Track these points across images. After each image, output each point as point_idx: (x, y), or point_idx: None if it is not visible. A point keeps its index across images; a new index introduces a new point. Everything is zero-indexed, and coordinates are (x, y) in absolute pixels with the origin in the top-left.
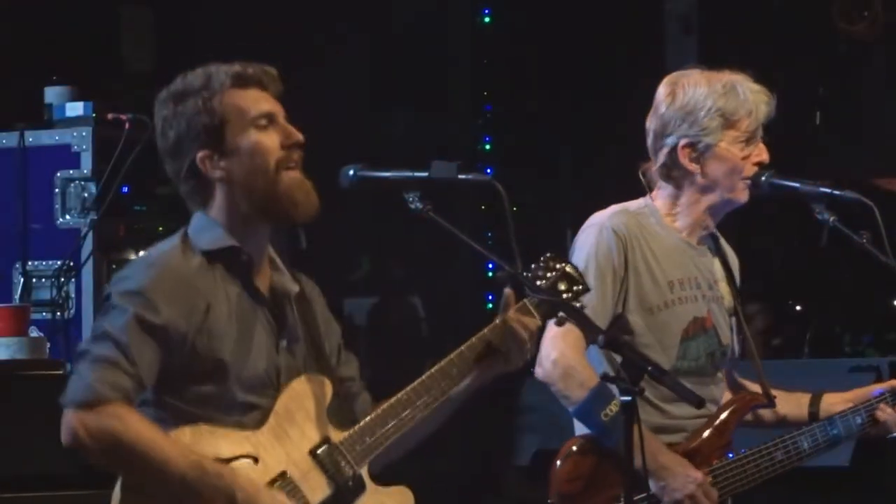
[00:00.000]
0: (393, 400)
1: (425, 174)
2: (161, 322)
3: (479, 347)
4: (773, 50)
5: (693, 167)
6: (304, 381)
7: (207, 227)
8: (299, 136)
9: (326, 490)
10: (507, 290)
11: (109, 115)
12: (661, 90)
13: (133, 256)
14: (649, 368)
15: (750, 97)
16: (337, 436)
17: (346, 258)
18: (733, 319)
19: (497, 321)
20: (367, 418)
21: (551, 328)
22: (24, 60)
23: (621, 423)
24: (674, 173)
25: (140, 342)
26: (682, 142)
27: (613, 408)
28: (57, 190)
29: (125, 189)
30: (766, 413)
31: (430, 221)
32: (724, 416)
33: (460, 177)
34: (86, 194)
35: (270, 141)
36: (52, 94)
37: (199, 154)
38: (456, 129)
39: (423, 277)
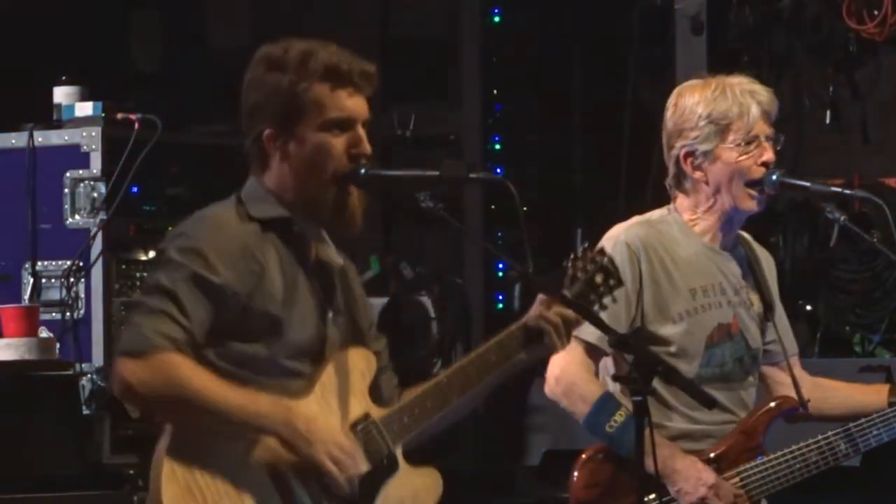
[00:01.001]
0: (433, 382)
1: (436, 173)
2: (218, 282)
3: (519, 334)
4: (782, 50)
5: (697, 175)
6: (351, 353)
7: (260, 197)
8: (368, 149)
9: (364, 465)
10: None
11: (119, 115)
12: (668, 102)
13: (143, 257)
14: (659, 368)
15: (741, 99)
16: (376, 412)
17: (356, 257)
18: (768, 325)
19: (520, 322)
20: (408, 399)
21: None
22: (34, 61)
23: (630, 431)
24: (684, 182)
25: (195, 299)
26: (683, 151)
27: (619, 418)
28: (66, 190)
29: (134, 189)
30: (839, 405)
31: (441, 221)
32: (752, 419)
33: (471, 176)
34: (95, 194)
35: (338, 146)
36: (61, 94)
37: (267, 130)
38: (466, 128)
39: (434, 277)
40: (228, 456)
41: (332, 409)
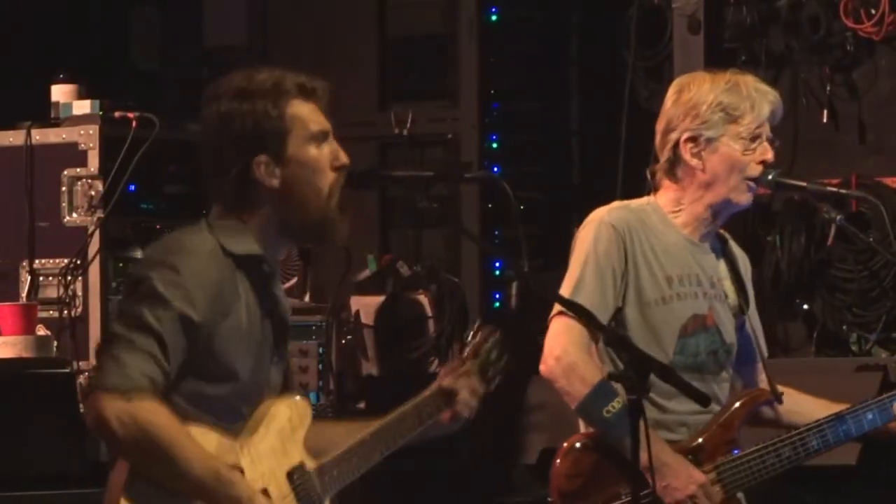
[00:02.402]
0: (358, 439)
1: (433, 173)
2: (197, 320)
3: (435, 398)
4: (779, 49)
5: (695, 162)
6: (291, 401)
7: (237, 230)
8: (346, 160)
9: None
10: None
11: (116, 114)
12: (669, 91)
13: (139, 255)
14: (655, 367)
15: (754, 95)
16: (309, 462)
17: (353, 257)
18: (744, 318)
19: (434, 387)
20: (338, 452)
21: (555, 324)
22: (31, 58)
23: (626, 420)
24: (677, 169)
25: (177, 342)
26: (685, 136)
27: (616, 405)
28: (64, 188)
29: (132, 187)
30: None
31: (437, 220)
32: (729, 412)
33: (467, 175)
34: (93, 192)
35: (323, 159)
36: (59, 92)
37: (258, 158)
38: (463, 127)
39: (430, 275)
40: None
41: (272, 456)
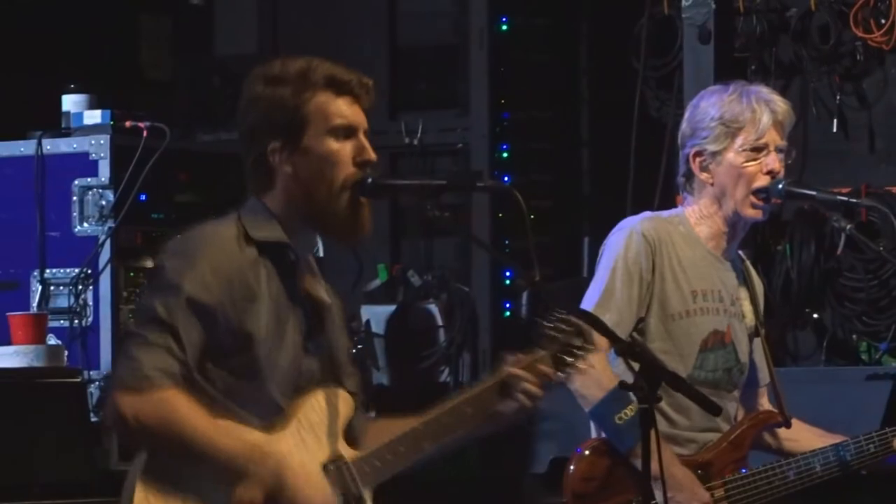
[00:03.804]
0: (409, 428)
1: (443, 182)
2: (212, 304)
3: (495, 389)
4: (789, 59)
5: (705, 176)
6: (329, 392)
7: (263, 217)
8: (373, 155)
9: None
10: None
11: (127, 123)
12: (689, 104)
13: (151, 265)
14: (667, 377)
15: (755, 105)
16: (349, 453)
17: (364, 266)
18: (756, 341)
19: (496, 377)
20: (381, 444)
21: None
22: (42, 68)
23: (636, 428)
24: (692, 184)
25: (190, 326)
26: (692, 150)
27: (628, 412)
28: (75, 198)
29: (143, 197)
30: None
31: (449, 229)
32: (739, 431)
33: (478, 184)
34: (103, 202)
35: (344, 153)
36: (70, 101)
37: (272, 144)
38: (474, 136)
39: (441, 285)
40: (205, 486)
41: (306, 447)
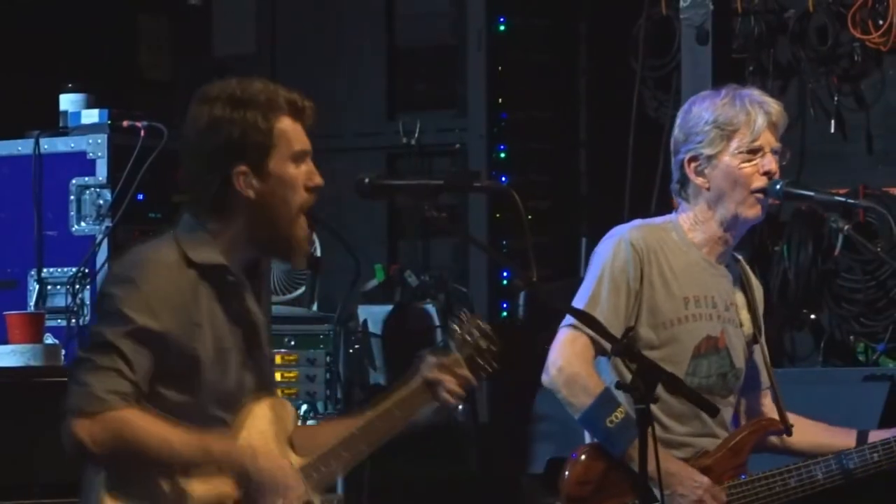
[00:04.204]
0: (347, 434)
1: (441, 182)
2: (161, 329)
3: (420, 390)
4: (787, 60)
5: (700, 181)
6: (272, 402)
7: (201, 239)
8: (320, 181)
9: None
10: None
11: (125, 123)
12: (680, 110)
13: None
14: (664, 377)
15: (749, 107)
16: (295, 460)
17: (361, 266)
18: (755, 347)
19: (419, 379)
20: (325, 449)
21: (560, 336)
22: (40, 67)
23: (627, 431)
24: (687, 189)
25: (139, 351)
26: (687, 156)
27: (619, 415)
28: (72, 197)
29: (140, 196)
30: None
31: (446, 229)
32: (740, 437)
33: (476, 185)
34: (101, 201)
35: (300, 178)
36: (67, 101)
37: (238, 167)
38: (471, 136)
39: (438, 285)
40: (169, 495)
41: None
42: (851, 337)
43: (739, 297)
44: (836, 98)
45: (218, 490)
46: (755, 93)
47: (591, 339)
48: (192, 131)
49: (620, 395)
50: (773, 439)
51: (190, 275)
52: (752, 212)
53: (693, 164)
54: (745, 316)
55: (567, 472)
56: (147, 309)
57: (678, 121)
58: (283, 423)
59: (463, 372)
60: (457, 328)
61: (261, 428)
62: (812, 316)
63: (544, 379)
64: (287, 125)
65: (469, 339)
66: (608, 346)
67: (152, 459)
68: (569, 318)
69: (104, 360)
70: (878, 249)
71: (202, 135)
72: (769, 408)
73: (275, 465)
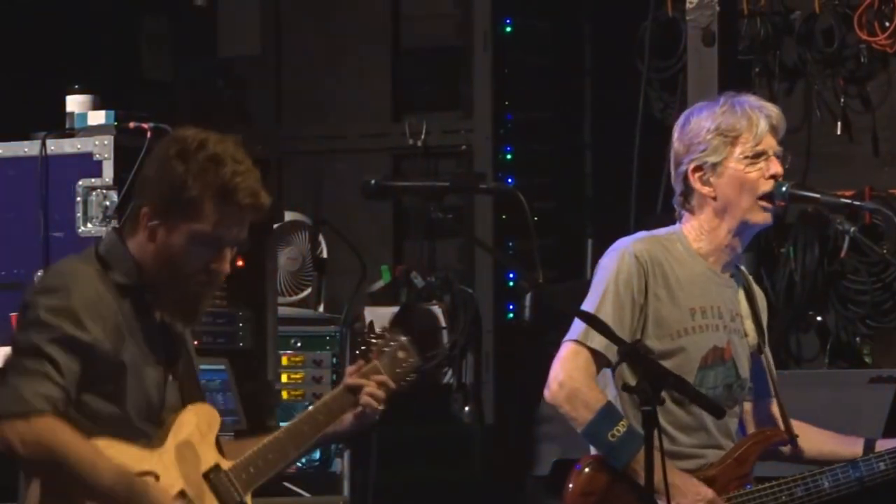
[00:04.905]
0: (272, 437)
1: (447, 184)
2: (88, 340)
3: (342, 396)
4: (793, 61)
5: (706, 190)
6: (196, 409)
7: (121, 259)
8: (225, 270)
9: None
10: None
11: (131, 124)
12: (676, 124)
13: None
14: (670, 379)
15: (749, 113)
16: (224, 463)
17: (367, 267)
18: (760, 357)
19: (341, 386)
20: (252, 451)
21: (562, 350)
22: (46, 69)
23: (630, 444)
24: (691, 200)
25: (68, 357)
26: (691, 166)
27: (621, 428)
28: (78, 198)
29: None
30: (811, 449)
31: (451, 230)
32: (745, 447)
33: (481, 186)
34: (107, 203)
35: (199, 257)
36: (73, 102)
37: (146, 208)
38: (477, 138)
39: (444, 286)
40: None
41: (185, 460)
42: (857, 339)
43: (744, 307)
44: (842, 100)
45: None
46: (752, 98)
47: (594, 353)
48: (150, 160)
49: (623, 407)
50: (779, 448)
51: (111, 289)
52: (761, 217)
53: (697, 174)
54: (749, 326)
55: (571, 484)
56: (73, 318)
57: (676, 134)
58: (208, 429)
59: (381, 377)
60: (374, 340)
61: (187, 435)
62: (818, 318)
63: (546, 394)
64: (209, 206)
65: (386, 349)
66: (612, 357)
67: (75, 472)
68: (572, 333)
69: (33, 364)
70: (884, 251)
71: (147, 161)
72: (776, 417)
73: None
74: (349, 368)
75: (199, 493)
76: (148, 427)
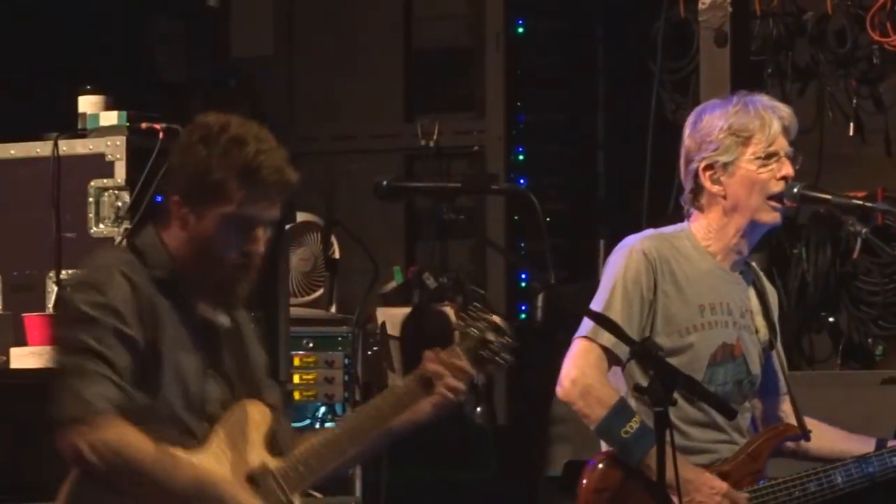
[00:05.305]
0: (329, 433)
1: (459, 184)
2: (132, 334)
3: (412, 386)
4: (805, 62)
5: (716, 189)
6: (245, 406)
7: (157, 252)
8: (259, 249)
9: None
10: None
11: (143, 125)
12: (686, 123)
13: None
14: (681, 379)
15: (763, 113)
16: (273, 463)
17: (379, 268)
18: (772, 353)
19: (414, 374)
20: (302, 448)
21: (573, 347)
22: (58, 69)
23: (643, 440)
24: (701, 198)
25: (121, 354)
26: (702, 164)
27: (634, 424)
28: (91, 199)
29: (158, 198)
30: (824, 447)
31: (463, 231)
32: (758, 443)
33: (493, 187)
34: (119, 203)
35: (232, 239)
36: (85, 103)
37: (175, 197)
38: (490, 139)
39: (457, 287)
40: None
41: (229, 460)
42: (870, 339)
43: (754, 303)
44: (854, 100)
45: None
46: (765, 98)
47: (605, 349)
48: (175, 149)
49: (637, 403)
50: (792, 445)
51: (149, 283)
52: (770, 217)
53: (708, 173)
54: (760, 321)
55: (584, 480)
56: (115, 313)
57: (688, 130)
58: (257, 426)
59: (461, 363)
60: (461, 321)
61: (233, 434)
62: (830, 319)
63: (559, 391)
64: (233, 188)
65: (474, 331)
66: (622, 355)
67: (146, 473)
68: (582, 330)
69: (90, 365)
70: None
71: (172, 151)
72: (788, 413)
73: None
74: (427, 353)
75: None
76: (193, 422)
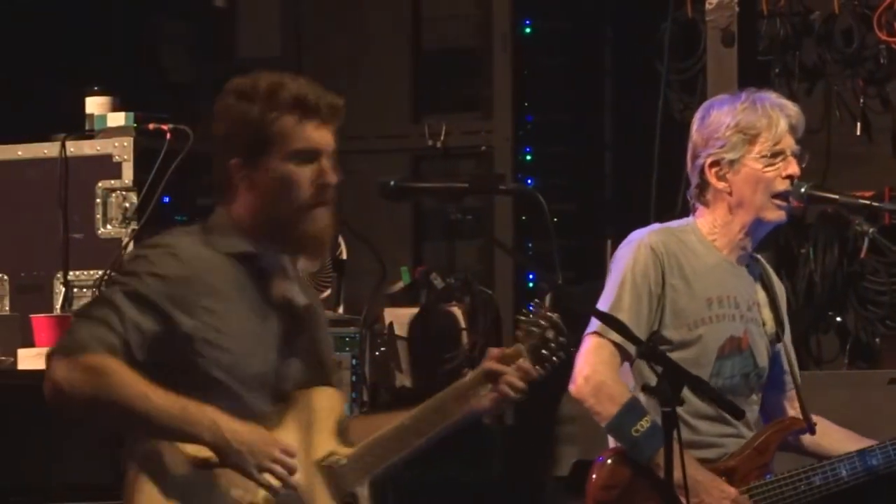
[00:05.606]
0: (397, 423)
1: (466, 185)
2: (165, 307)
3: (476, 382)
4: (812, 62)
5: (721, 185)
6: (317, 392)
7: (227, 229)
8: (333, 178)
9: (328, 502)
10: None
11: (151, 125)
12: (694, 118)
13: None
14: (689, 379)
15: (770, 111)
16: (342, 450)
17: (387, 268)
18: (779, 346)
19: (479, 371)
20: (371, 438)
21: (585, 344)
22: (66, 71)
23: (653, 438)
24: (706, 194)
25: (137, 312)
26: (708, 160)
27: (645, 423)
28: (98, 200)
29: (166, 199)
30: (830, 447)
31: (471, 232)
32: (764, 437)
33: (501, 187)
34: (127, 204)
35: (303, 176)
36: (93, 104)
37: (233, 160)
38: (497, 139)
39: (464, 287)
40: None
41: (301, 445)
42: (877, 339)
43: (761, 296)
44: (861, 100)
45: (198, 460)
46: (773, 96)
47: (616, 345)
48: (213, 120)
49: (646, 400)
50: (802, 442)
51: (215, 259)
52: (775, 215)
53: (714, 169)
54: (767, 314)
55: (593, 476)
56: (157, 281)
57: (696, 125)
58: (329, 412)
59: (524, 363)
60: (523, 318)
61: (306, 418)
62: (837, 318)
63: (571, 389)
64: (290, 123)
65: (535, 329)
66: (633, 351)
67: (126, 410)
68: (593, 326)
69: (98, 311)
70: None
71: (213, 123)
72: (796, 408)
73: (257, 447)
74: (491, 351)
75: (310, 480)
76: (262, 401)
